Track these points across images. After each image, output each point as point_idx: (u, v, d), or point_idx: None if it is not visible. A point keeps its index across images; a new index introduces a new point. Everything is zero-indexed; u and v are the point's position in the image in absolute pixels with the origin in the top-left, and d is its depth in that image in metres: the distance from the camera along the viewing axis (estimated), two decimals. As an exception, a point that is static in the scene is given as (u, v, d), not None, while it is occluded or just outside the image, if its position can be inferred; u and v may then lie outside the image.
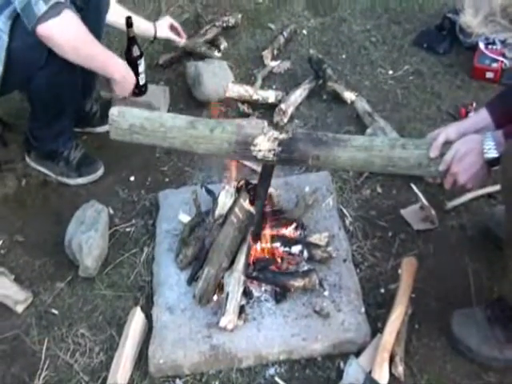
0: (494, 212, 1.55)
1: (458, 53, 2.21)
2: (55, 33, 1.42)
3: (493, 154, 1.13)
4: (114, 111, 1.35)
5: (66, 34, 1.45)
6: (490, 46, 2.07)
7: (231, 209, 1.43)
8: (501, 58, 2.03)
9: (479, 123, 1.23)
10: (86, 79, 1.82)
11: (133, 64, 1.89)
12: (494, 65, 2.03)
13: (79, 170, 1.82)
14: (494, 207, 1.59)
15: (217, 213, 1.46)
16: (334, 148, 1.26)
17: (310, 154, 1.26)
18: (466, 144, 1.17)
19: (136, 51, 1.87)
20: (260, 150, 1.28)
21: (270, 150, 1.28)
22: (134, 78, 1.73)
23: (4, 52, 1.46)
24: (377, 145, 1.25)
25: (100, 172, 1.82)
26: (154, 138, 1.34)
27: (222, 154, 1.35)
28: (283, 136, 1.29)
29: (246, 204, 1.42)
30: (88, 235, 1.51)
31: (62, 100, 1.68)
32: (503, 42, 2.05)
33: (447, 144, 1.20)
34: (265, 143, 1.28)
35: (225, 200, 1.46)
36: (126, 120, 1.34)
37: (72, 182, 1.82)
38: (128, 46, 1.86)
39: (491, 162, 1.14)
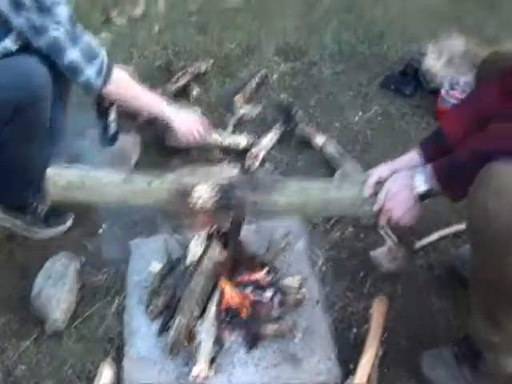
0: (460, 252, 1.64)
1: (424, 95, 2.35)
2: (114, 95, 1.74)
3: (423, 187, 1.23)
4: (49, 171, 1.42)
5: (119, 94, 1.75)
6: (452, 89, 2.21)
7: (202, 256, 1.48)
8: (463, 100, 2.16)
9: (411, 161, 1.32)
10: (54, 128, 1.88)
11: (103, 114, 1.98)
12: (458, 106, 2.17)
13: (47, 222, 1.84)
14: (460, 247, 1.68)
15: (188, 261, 1.51)
16: (272, 193, 1.34)
17: (248, 199, 1.35)
18: (397, 181, 1.26)
19: (106, 100, 1.95)
20: (200, 198, 1.36)
21: (209, 199, 1.36)
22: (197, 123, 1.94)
23: None
24: (313, 188, 1.35)
25: (69, 223, 1.85)
26: (92, 195, 1.41)
27: (161, 206, 1.42)
28: (222, 183, 1.37)
29: (217, 251, 1.48)
30: (56, 289, 1.55)
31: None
32: (465, 85, 2.19)
33: (380, 183, 1.29)
34: (204, 192, 1.36)
35: (196, 248, 1.52)
36: (62, 178, 1.40)
37: (40, 233, 1.84)
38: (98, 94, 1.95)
39: (423, 196, 1.24)
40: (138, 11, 2.87)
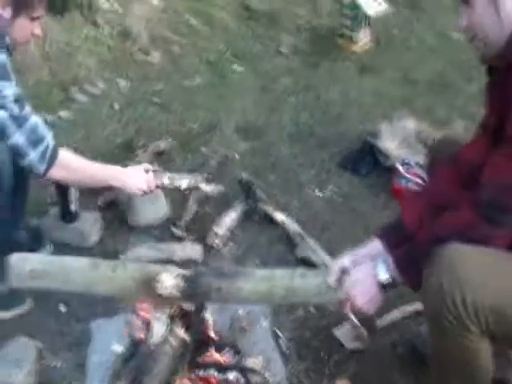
0: (421, 331, 1.71)
1: (379, 174, 2.50)
2: (59, 178, 1.76)
3: (385, 277, 1.32)
4: (13, 257, 1.45)
5: (67, 171, 1.75)
6: (406, 168, 2.38)
7: (165, 337, 1.49)
8: (416, 179, 2.33)
9: (372, 250, 1.42)
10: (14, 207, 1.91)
11: (63, 192, 2.02)
12: (411, 185, 2.32)
13: (4, 304, 1.81)
14: (421, 326, 1.75)
15: (150, 342, 1.52)
16: (237, 280, 1.43)
17: (213, 287, 1.42)
18: (360, 270, 1.36)
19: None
20: (165, 287, 1.42)
21: (174, 287, 1.42)
22: (144, 175, 1.93)
23: None
24: (277, 276, 1.44)
25: (26, 306, 1.83)
26: (56, 282, 1.44)
27: (126, 294, 1.48)
28: (187, 272, 1.45)
29: (181, 332, 1.49)
30: (13, 372, 1.52)
31: None
32: (418, 164, 2.37)
33: (343, 272, 1.38)
34: (169, 280, 1.42)
35: (158, 328, 1.53)
36: (26, 265, 1.44)
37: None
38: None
39: (385, 286, 1.33)
40: (98, 89, 2.98)
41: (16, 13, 1.66)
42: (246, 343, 1.67)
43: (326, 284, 1.38)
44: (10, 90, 1.61)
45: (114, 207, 2.23)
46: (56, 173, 1.72)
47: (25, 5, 1.67)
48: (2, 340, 1.67)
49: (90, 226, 2.08)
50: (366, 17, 3.41)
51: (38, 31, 1.76)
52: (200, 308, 1.55)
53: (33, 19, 1.71)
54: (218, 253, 2.07)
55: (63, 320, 1.81)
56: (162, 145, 2.56)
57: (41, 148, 1.67)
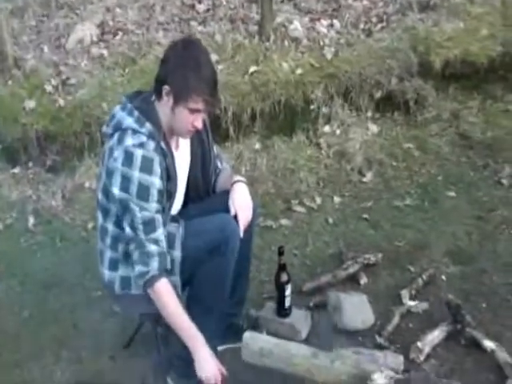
0: None
1: None
2: (152, 296, 1.96)
3: None
4: (247, 335, 1.76)
5: (157, 301, 1.96)
6: None
7: None
8: None
9: None
10: (236, 291, 2.29)
11: (280, 288, 2.38)
12: None
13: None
14: None
15: None
16: None
17: None
18: None
19: (284, 277, 2.38)
20: None
21: None
22: (215, 369, 1.91)
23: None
24: None
25: None
26: (280, 363, 1.70)
27: None
28: (400, 376, 1.60)
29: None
30: None
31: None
32: None
33: None
34: (381, 379, 1.59)
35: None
36: (257, 343, 1.73)
37: None
38: (278, 271, 2.38)
39: None
40: (315, 204, 3.44)
41: (175, 102, 1.90)
42: None
43: None
44: (154, 188, 1.89)
45: (323, 309, 2.52)
46: (151, 294, 1.96)
47: (182, 95, 1.88)
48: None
49: (302, 322, 2.39)
50: None
51: (198, 124, 1.94)
52: None
53: (192, 111, 1.91)
54: (419, 367, 2.18)
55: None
56: (371, 258, 2.83)
57: (143, 269, 1.93)
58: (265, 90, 3.80)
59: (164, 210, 1.96)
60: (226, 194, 2.18)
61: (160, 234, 1.93)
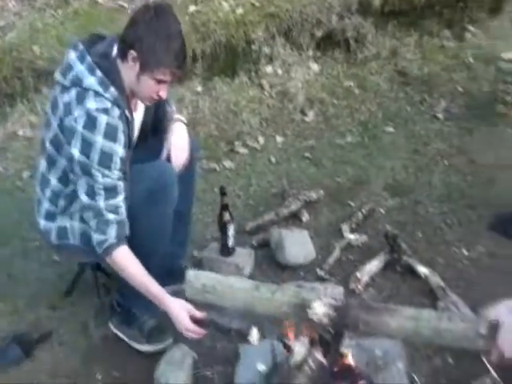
0: None
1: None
2: (111, 264, 1.91)
3: None
4: (190, 273, 1.76)
5: (117, 268, 1.90)
6: None
7: (305, 359, 1.71)
8: None
9: None
10: (179, 233, 2.26)
11: (223, 228, 2.38)
12: None
13: (149, 338, 2.11)
14: None
15: (292, 361, 1.74)
16: (384, 316, 1.57)
17: (361, 319, 1.58)
18: None
19: (226, 217, 2.37)
20: (316, 314, 1.61)
21: (324, 314, 1.61)
22: (187, 319, 1.84)
23: None
24: (424, 316, 1.54)
25: (167, 343, 2.08)
26: (223, 299, 1.71)
27: (280, 316, 1.69)
28: (338, 303, 1.63)
29: (320, 356, 1.70)
30: (175, 374, 1.86)
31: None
32: None
33: (495, 320, 1.44)
34: (321, 307, 1.62)
35: (300, 349, 1.74)
36: (199, 280, 1.74)
37: (140, 347, 2.11)
38: (220, 211, 2.37)
39: None
40: (258, 144, 3.41)
41: (142, 70, 1.83)
42: (380, 380, 1.82)
43: (474, 330, 1.45)
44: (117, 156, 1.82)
45: (267, 247, 2.54)
46: (109, 262, 1.91)
47: (150, 65, 1.82)
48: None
49: (245, 260, 2.40)
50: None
51: (163, 94, 1.89)
52: (338, 338, 1.74)
53: (158, 81, 1.84)
54: (358, 297, 2.25)
55: (216, 338, 2.09)
56: (313, 195, 2.85)
57: (101, 238, 1.86)
58: (205, 31, 3.67)
59: (126, 177, 1.90)
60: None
61: (120, 200, 1.87)
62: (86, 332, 2.21)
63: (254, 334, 1.78)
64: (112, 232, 1.86)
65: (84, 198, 1.86)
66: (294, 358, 1.74)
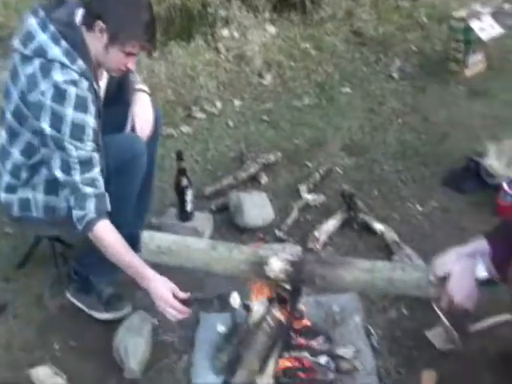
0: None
1: (483, 192, 2.59)
2: (94, 240, 1.83)
3: (484, 274, 1.44)
4: (145, 234, 1.74)
5: (100, 244, 1.82)
6: None
7: (264, 317, 1.74)
8: (523, 197, 2.40)
9: (477, 249, 1.51)
10: (140, 203, 2.23)
11: (181, 193, 2.36)
12: (516, 202, 2.39)
13: (107, 306, 2.09)
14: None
15: (251, 320, 1.77)
16: (340, 269, 1.60)
17: (317, 274, 1.60)
18: (460, 266, 1.47)
19: (184, 181, 2.35)
20: (273, 270, 1.63)
21: (281, 270, 1.63)
22: (171, 298, 1.79)
23: None
24: (378, 267, 1.58)
25: (126, 310, 2.06)
26: (179, 259, 1.70)
27: (238, 274, 1.69)
28: (294, 258, 1.65)
29: (278, 314, 1.73)
30: (134, 340, 1.85)
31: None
32: (524, 184, 2.43)
33: (445, 268, 1.49)
34: (277, 264, 1.64)
35: (258, 309, 1.77)
36: (154, 241, 1.73)
37: (99, 316, 2.09)
38: (177, 176, 2.35)
39: (483, 282, 1.44)
40: (216, 108, 3.37)
41: (111, 42, 1.77)
42: (338, 334, 1.87)
43: (426, 278, 1.50)
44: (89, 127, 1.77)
45: (226, 211, 2.54)
46: (92, 239, 1.84)
47: (119, 38, 1.75)
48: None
49: (204, 224, 2.40)
50: (480, 41, 3.51)
51: (131, 66, 1.85)
52: (296, 295, 1.76)
53: (127, 54, 1.79)
54: (316, 255, 2.28)
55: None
56: (271, 157, 2.85)
57: (80, 213, 1.80)
58: (159, -7, 3.58)
59: (99, 149, 1.84)
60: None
61: (96, 173, 1.81)
62: (41, 303, 2.18)
63: (235, 298, 1.76)
64: (91, 206, 1.80)
65: (59, 174, 1.80)
66: (252, 317, 1.77)
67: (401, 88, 3.51)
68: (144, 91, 2.11)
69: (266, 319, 1.73)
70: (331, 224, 2.42)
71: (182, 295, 1.79)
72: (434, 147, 2.95)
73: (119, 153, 1.90)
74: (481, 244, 1.52)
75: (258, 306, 1.78)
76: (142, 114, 2.07)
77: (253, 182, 2.75)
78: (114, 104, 2.06)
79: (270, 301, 1.79)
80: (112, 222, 1.91)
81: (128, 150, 1.93)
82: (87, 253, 1.87)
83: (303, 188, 2.65)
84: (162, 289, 1.79)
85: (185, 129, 3.16)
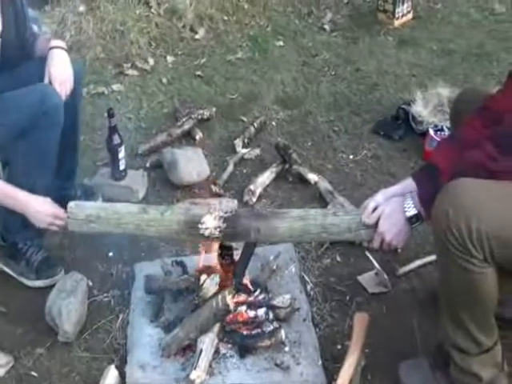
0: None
1: (412, 139, 2.60)
2: None
3: (412, 211, 1.42)
4: (71, 204, 1.63)
5: None
6: (438, 132, 2.46)
7: (214, 296, 1.65)
8: (447, 142, 2.40)
9: (405, 189, 1.49)
10: (66, 164, 2.11)
11: (113, 151, 2.23)
12: (441, 148, 2.40)
13: (38, 273, 1.97)
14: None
15: (200, 294, 1.69)
16: (273, 220, 1.54)
17: (251, 227, 1.54)
18: (389, 205, 1.45)
19: (116, 139, 2.22)
20: (207, 228, 1.55)
21: (215, 228, 1.55)
22: (50, 210, 1.78)
23: None
24: (311, 214, 1.54)
25: (58, 277, 1.95)
26: (109, 226, 1.60)
27: (172, 235, 1.60)
28: (227, 214, 1.57)
29: (229, 298, 1.62)
30: (68, 301, 1.75)
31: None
32: (449, 128, 2.44)
33: (376, 208, 1.47)
34: (211, 221, 1.56)
35: (209, 287, 1.68)
36: (82, 211, 1.61)
37: (30, 283, 1.97)
38: (109, 134, 2.22)
39: (412, 220, 1.43)
40: (148, 65, 3.20)
41: None
42: (275, 285, 1.84)
43: (358, 221, 1.47)
44: None
45: (160, 168, 2.43)
46: None
47: None
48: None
49: (138, 182, 2.29)
50: (408, -9, 3.46)
51: None
52: (247, 258, 1.68)
53: None
54: (250, 209, 2.23)
55: (111, 263, 2.02)
56: (205, 113, 2.74)
57: None
58: None
59: None
60: (44, 61, 1.91)
61: None
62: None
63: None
64: None
65: None
66: (202, 291, 1.69)
67: (333, 40, 3.43)
68: (61, 48, 1.94)
69: (216, 298, 1.63)
70: (266, 177, 2.36)
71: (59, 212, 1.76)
72: (364, 97, 2.91)
73: (32, 106, 1.77)
74: (409, 184, 1.50)
75: (209, 283, 1.69)
76: (59, 75, 1.91)
77: (187, 138, 2.65)
78: (18, 56, 1.92)
79: (219, 256, 1.73)
80: (35, 184, 1.79)
81: (41, 102, 1.78)
82: (11, 217, 1.74)
83: (238, 142, 2.57)
84: (39, 203, 1.76)
85: (116, 86, 2.99)
